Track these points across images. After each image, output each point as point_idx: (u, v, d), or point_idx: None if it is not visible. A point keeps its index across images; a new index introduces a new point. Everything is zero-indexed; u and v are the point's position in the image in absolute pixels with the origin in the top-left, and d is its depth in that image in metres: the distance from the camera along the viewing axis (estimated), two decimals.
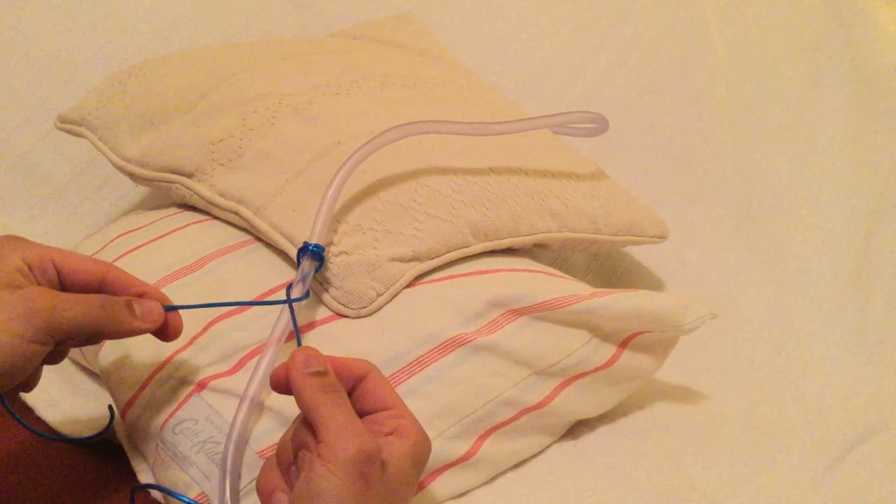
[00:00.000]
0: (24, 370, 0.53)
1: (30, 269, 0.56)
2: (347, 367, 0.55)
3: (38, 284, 0.56)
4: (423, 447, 0.53)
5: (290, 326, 0.61)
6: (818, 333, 0.95)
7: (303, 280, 0.63)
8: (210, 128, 0.77)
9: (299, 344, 0.56)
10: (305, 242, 0.64)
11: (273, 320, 0.62)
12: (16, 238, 0.58)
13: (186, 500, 0.58)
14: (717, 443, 0.77)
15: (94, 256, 0.66)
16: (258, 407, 0.60)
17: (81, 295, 0.56)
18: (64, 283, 0.57)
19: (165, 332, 0.60)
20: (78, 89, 0.95)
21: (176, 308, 0.60)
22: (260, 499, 0.54)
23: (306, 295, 0.63)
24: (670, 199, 1.04)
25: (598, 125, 0.85)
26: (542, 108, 0.90)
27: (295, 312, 0.61)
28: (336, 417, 0.51)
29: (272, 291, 0.67)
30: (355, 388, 0.55)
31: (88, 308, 0.55)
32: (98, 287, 0.58)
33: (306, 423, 0.52)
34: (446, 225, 0.71)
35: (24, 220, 0.95)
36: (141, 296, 0.59)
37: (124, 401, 0.65)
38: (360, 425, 0.51)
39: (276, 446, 0.59)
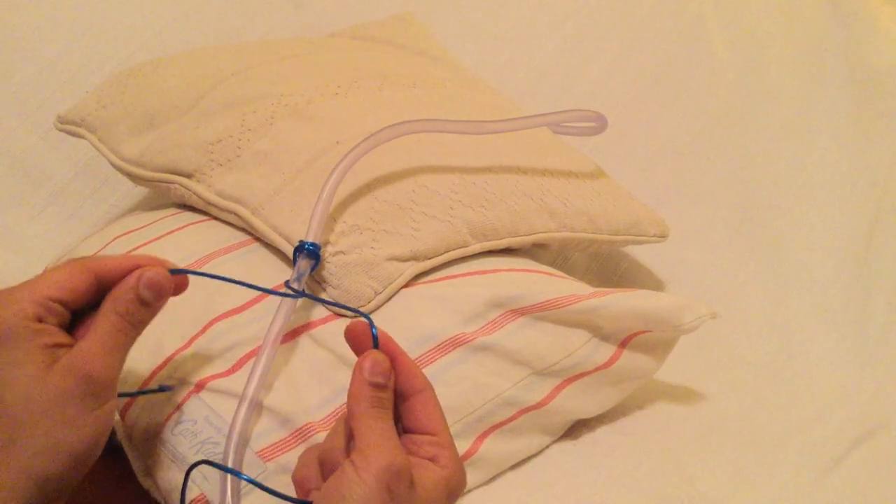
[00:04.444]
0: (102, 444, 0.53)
1: (41, 321, 0.52)
2: (410, 375, 0.54)
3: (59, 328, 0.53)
4: (458, 481, 0.53)
5: (286, 327, 0.60)
6: (818, 333, 0.95)
7: (298, 278, 0.63)
8: (209, 128, 0.77)
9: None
10: (301, 241, 0.64)
11: (271, 321, 0.62)
12: (7, 299, 0.53)
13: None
14: (717, 443, 0.77)
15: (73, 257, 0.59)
16: (257, 407, 0.60)
17: (98, 333, 0.53)
18: (71, 308, 0.54)
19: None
20: (78, 89, 0.95)
21: (182, 271, 0.57)
22: (295, 488, 0.54)
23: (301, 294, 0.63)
24: (670, 199, 1.04)
25: (597, 123, 0.85)
26: (542, 109, 0.90)
27: (294, 307, 0.60)
28: (375, 430, 0.51)
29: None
30: (407, 399, 0.54)
31: (111, 342, 0.53)
32: (98, 287, 0.55)
33: (347, 426, 0.53)
34: (444, 225, 0.71)
35: (25, 220, 0.95)
36: (136, 269, 0.55)
37: (124, 401, 0.65)
38: (395, 441, 0.51)
39: (275, 446, 0.59)
